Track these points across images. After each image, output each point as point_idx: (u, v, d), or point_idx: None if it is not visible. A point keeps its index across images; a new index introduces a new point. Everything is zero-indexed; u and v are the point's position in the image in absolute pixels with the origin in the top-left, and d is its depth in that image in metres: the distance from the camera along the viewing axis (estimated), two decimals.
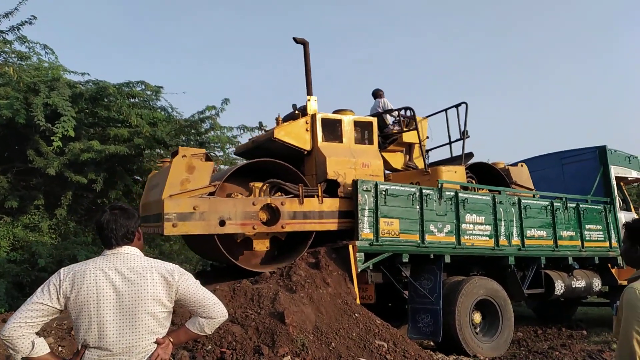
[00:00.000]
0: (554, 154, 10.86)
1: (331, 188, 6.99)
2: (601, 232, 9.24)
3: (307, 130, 7.20)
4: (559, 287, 8.45)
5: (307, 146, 7.17)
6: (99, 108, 9.25)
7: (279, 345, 4.75)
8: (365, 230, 6.60)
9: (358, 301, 6.20)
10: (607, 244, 9.20)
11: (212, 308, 2.36)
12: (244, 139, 11.00)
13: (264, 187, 6.61)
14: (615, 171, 10.03)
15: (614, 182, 9.85)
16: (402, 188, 7.07)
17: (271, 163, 6.76)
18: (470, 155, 8.61)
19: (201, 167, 6.18)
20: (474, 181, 8.60)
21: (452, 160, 8.70)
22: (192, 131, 9.72)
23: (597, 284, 9.14)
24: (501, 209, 7.86)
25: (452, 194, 7.46)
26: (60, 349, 4.06)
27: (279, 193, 6.70)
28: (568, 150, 10.67)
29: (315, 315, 5.43)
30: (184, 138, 9.67)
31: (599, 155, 10.00)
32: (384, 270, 6.98)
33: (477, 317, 7.28)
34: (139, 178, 10.36)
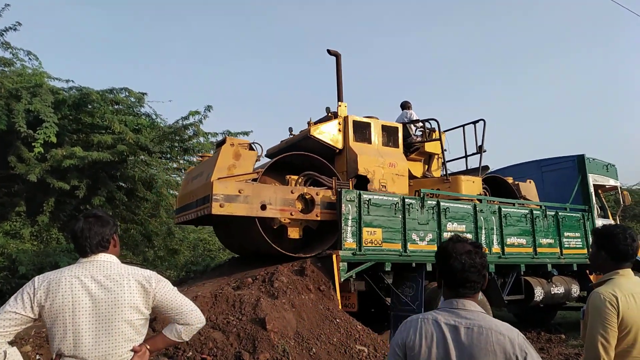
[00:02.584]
0: (534, 162, 11.07)
1: (360, 184, 7.60)
2: (579, 240, 9.43)
3: (339, 130, 7.93)
4: (539, 294, 8.60)
5: (339, 145, 7.88)
6: (83, 114, 9.22)
7: (260, 351, 4.77)
8: (349, 240, 6.69)
9: (340, 307, 6.25)
10: (585, 250, 9.38)
11: (190, 315, 2.36)
12: None
13: (300, 180, 7.18)
14: (593, 179, 10.27)
15: (592, 190, 10.08)
16: (385, 197, 7.17)
17: (306, 158, 7.35)
18: (486, 168, 9.33)
19: (246, 155, 6.80)
20: (487, 193, 9.10)
21: (469, 172, 9.33)
22: (176, 137, 9.71)
23: (575, 290, 9.31)
24: (482, 217, 7.99)
25: (434, 202, 7.57)
26: (37, 357, 4.03)
27: (312, 186, 7.21)
28: (548, 158, 10.89)
29: (297, 321, 5.47)
30: (167, 144, 9.66)
31: (578, 164, 10.23)
32: (367, 279, 7.05)
33: None
34: (122, 184, 10.32)
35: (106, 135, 8.95)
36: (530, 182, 9.98)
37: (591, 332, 2.62)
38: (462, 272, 1.91)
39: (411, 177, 8.93)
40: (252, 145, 7.03)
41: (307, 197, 6.98)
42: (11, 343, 2.16)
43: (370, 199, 6.96)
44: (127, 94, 9.36)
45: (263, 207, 6.56)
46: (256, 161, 7.01)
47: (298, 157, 7.35)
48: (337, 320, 5.75)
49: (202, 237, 15.07)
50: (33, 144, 7.83)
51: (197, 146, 9.86)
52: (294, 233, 7.09)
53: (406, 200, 7.28)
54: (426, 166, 9.56)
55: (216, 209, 6.21)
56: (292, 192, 6.87)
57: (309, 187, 7.14)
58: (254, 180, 6.75)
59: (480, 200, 8.23)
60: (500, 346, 1.77)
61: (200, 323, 2.42)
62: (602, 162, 10.71)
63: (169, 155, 10.44)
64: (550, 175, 10.53)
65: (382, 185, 7.81)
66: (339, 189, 6.92)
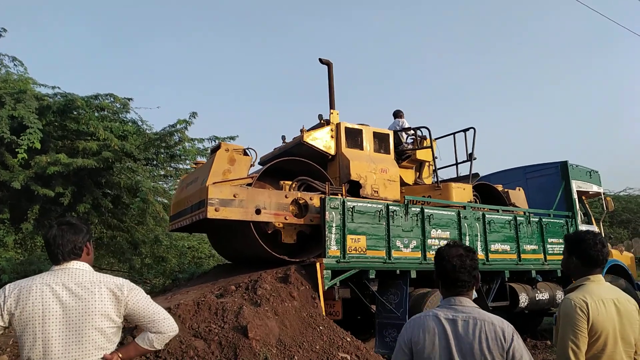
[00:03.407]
0: (518, 169, 11.18)
1: (352, 189, 7.76)
2: (563, 246, 9.50)
3: (332, 137, 8.09)
4: (523, 300, 8.65)
5: (332, 151, 8.04)
6: (68, 121, 9.17)
7: None
8: (333, 248, 6.71)
9: (324, 314, 6.25)
10: None
11: (162, 323, 2.37)
12: None
13: (294, 185, 7.29)
14: (576, 185, 10.39)
15: (575, 196, 10.18)
16: (369, 205, 7.20)
17: (300, 164, 7.47)
18: (476, 175, 9.49)
19: (241, 160, 6.95)
20: (478, 200, 9.24)
21: (459, 179, 9.47)
22: (162, 144, 9.69)
23: (560, 296, 9.37)
24: (466, 224, 8.05)
25: (418, 209, 7.62)
26: None
27: (306, 192, 7.33)
28: (532, 165, 11.01)
29: (280, 329, 5.46)
30: (153, 151, 9.63)
31: (561, 170, 10.35)
32: (352, 286, 7.06)
33: None
34: (108, 191, 10.26)
35: (91, 142, 8.92)
36: (519, 189, 10.11)
37: (562, 337, 2.66)
38: (453, 272, 2.19)
39: (403, 184, 9.07)
40: (247, 150, 7.13)
41: (300, 202, 7.09)
42: None
43: (354, 206, 6.99)
44: (112, 99, 9.34)
45: (258, 212, 6.65)
46: (250, 166, 7.10)
47: (292, 163, 7.48)
48: (320, 327, 5.75)
49: (190, 245, 14.98)
50: (17, 150, 7.78)
51: (183, 152, 9.85)
52: (288, 238, 7.19)
53: (390, 207, 7.32)
54: (417, 173, 9.72)
55: (211, 213, 6.30)
56: (286, 197, 6.98)
57: (302, 192, 7.24)
58: (249, 185, 6.85)
59: (464, 207, 8.29)
60: (492, 333, 2.05)
61: (172, 331, 2.43)
62: (585, 168, 10.85)
63: (155, 162, 10.41)
64: (535, 181, 10.64)
65: (374, 191, 7.92)
66: (322, 197, 6.95)
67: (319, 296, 6.31)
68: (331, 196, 7.03)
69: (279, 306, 5.78)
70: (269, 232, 7.06)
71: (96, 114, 9.45)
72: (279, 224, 7.03)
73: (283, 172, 7.49)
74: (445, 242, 7.59)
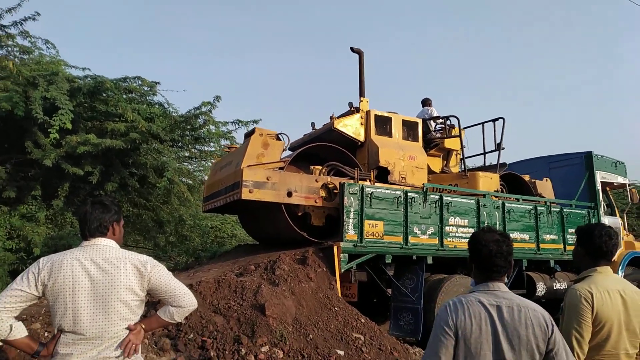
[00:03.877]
0: (541, 158, 11.04)
1: (381, 175, 7.97)
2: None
3: (361, 124, 8.31)
4: (541, 289, 8.65)
5: (361, 138, 8.27)
6: (97, 102, 9.43)
7: (258, 336, 4.96)
8: (350, 232, 6.85)
9: (340, 295, 6.41)
10: None
11: (182, 298, 2.53)
12: (239, 133, 11.35)
13: (324, 170, 7.51)
14: (601, 176, 10.23)
15: (599, 187, 10.04)
16: (387, 191, 7.29)
17: (330, 150, 7.71)
18: (504, 165, 9.52)
19: (274, 145, 7.21)
20: (505, 189, 9.27)
21: (487, 169, 9.56)
22: (187, 126, 9.91)
23: None
24: (485, 212, 8.06)
25: (437, 197, 7.66)
26: (46, 334, 4.26)
27: (335, 176, 7.55)
28: (556, 154, 10.86)
29: (296, 308, 5.65)
30: (179, 133, 9.86)
31: (585, 161, 10.20)
32: (369, 270, 7.21)
33: None
34: (135, 171, 10.56)
35: (119, 123, 9.17)
36: (546, 180, 10.06)
37: (566, 326, 2.73)
38: (490, 257, 2.22)
39: (430, 172, 9.18)
40: (279, 135, 7.37)
41: (330, 186, 7.30)
42: (17, 318, 2.34)
43: (372, 192, 7.08)
44: (140, 82, 9.56)
45: (289, 194, 6.90)
46: (283, 151, 7.34)
47: (322, 149, 7.73)
48: (336, 308, 5.91)
49: (213, 225, 15.32)
50: (49, 130, 8.06)
51: (208, 135, 10.05)
52: (317, 220, 7.38)
53: (409, 194, 7.38)
54: (445, 162, 9.79)
55: (245, 194, 6.58)
56: (316, 181, 7.20)
57: (332, 176, 7.45)
58: (281, 169, 7.09)
59: (484, 195, 8.29)
60: (536, 320, 2.12)
61: (192, 306, 2.58)
62: (610, 159, 10.65)
63: (180, 144, 10.65)
64: (558, 171, 10.51)
65: (402, 177, 8.09)
66: (341, 183, 7.06)
67: (335, 278, 6.47)
68: (350, 182, 7.14)
69: (296, 286, 5.96)
70: (299, 214, 7.28)
71: (124, 96, 9.69)
72: (309, 207, 7.23)
73: (313, 157, 7.74)
74: (461, 229, 7.76)
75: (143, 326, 2.50)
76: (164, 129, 9.65)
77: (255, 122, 10.44)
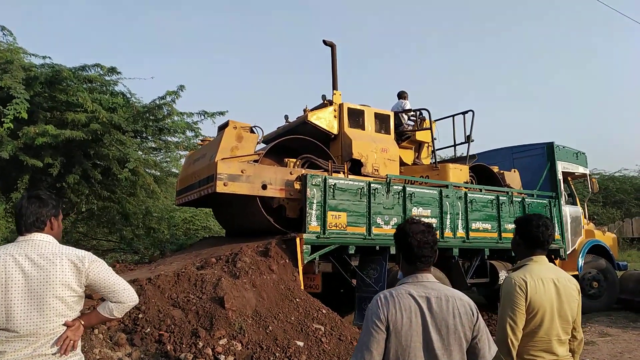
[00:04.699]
0: (505, 149, 11.27)
1: (354, 168, 8.11)
2: None
3: (335, 117, 8.43)
4: (503, 277, 8.84)
5: (335, 130, 8.39)
6: (57, 92, 9.16)
7: (217, 329, 4.94)
8: (313, 224, 6.86)
9: (302, 287, 6.44)
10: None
11: (122, 293, 2.51)
12: (205, 125, 11.24)
13: (298, 162, 7.57)
14: (562, 166, 10.50)
15: (560, 176, 10.31)
16: (350, 182, 7.32)
17: (304, 142, 7.78)
18: (473, 157, 9.82)
19: (248, 138, 7.22)
20: (474, 181, 9.46)
21: (457, 160, 9.85)
22: (151, 117, 9.72)
23: None
24: (447, 202, 8.18)
25: (400, 187, 7.74)
26: None
27: (310, 169, 7.63)
28: (519, 145, 11.09)
29: (257, 300, 5.64)
30: (142, 124, 9.66)
31: (547, 151, 10.45)
32: (333, 261, 7.25)
33: None
34: (98, 162, 10.33)
35: (80, 114, 8.93)
36: (514, 171, 10.30)
37: (501, 314, 2.82)
38: (418, 248, 2.28)
39: (402, 164, 9.33)
40: (253, 128, 7.39)
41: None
42: None
43: (335, 184, 7.10)
44: (99, 69, 9.31)
45: (264, 187, 6.95)
46: (257, 144, 7.34)
47: (296, 141, 7.79)
48: (297, 300, 5.93)
49: (183, 217, 15.18)
50: (2, 120, 7.82)
51: (172, 126, 9.89)
52: (292, 212, 7.39)
53: (372, 185, 7.43)
54: (416, 154, 9.97)
55: (220, 188, 6.59)
56: (291, 174, 7.22)
57: (306, 169, 7.49)
58: (255, 161, 7.12)
59: (447, 186, 8.42)
60: (463, 309, 2.20)
61: (132, 301, 2.57)
62: (572, 149, 10.94)
63: (144, 135, 10.45)
64: (521, 161, 10.75)
65: (375, 169, 8.21)
66: (303, 174, 7.07)
67: (298, 270, 6.49)
68: (312, 173, 7.15)
69: (257, 278, 5.94)
70: (274, 207, 7.31)
71: (84, 85, 9.43)
72: (283, 200, 7.26)
73: (287, 149, 7.75)
74: (424, 219, 7.86)
75: (82, 322, 2.47)
76: (126, 120, 9.45)
77: (222, 113, 10.32)
